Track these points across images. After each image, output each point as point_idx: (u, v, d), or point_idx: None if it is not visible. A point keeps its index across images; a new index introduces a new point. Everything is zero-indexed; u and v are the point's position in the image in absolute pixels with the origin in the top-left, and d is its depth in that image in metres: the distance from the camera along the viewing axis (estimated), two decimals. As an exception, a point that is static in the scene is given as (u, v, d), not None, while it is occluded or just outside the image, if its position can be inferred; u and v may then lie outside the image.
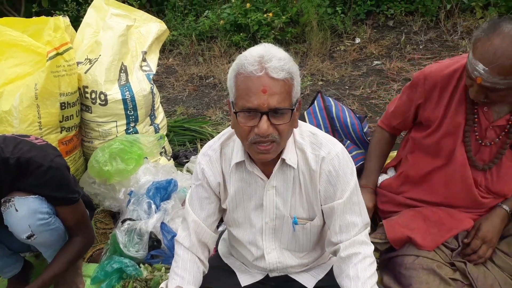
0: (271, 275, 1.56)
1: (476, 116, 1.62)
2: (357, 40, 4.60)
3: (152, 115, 2.63)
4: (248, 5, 4.39)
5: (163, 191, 2.13)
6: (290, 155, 1.34)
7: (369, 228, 1.42)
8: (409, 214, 1.78)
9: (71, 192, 1.63)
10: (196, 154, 2.85)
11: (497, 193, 1.72)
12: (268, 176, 1.37)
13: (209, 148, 1.44)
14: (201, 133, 3.05)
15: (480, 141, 1.65)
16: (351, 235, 1.37)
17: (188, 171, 2.61)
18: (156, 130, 2.65)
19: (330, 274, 1.53)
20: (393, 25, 4.86)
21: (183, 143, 3.02)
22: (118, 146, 2.20)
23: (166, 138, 2.50)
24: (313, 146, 1.35)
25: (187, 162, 2.78)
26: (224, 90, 3.95)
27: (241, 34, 4.48)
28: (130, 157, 2.22)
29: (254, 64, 1.16)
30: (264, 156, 1.27)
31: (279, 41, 4.44)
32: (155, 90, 2.59)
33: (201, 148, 2.88)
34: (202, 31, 4.74)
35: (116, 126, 2.45)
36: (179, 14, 5.09)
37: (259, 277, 1.56)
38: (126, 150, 2.21)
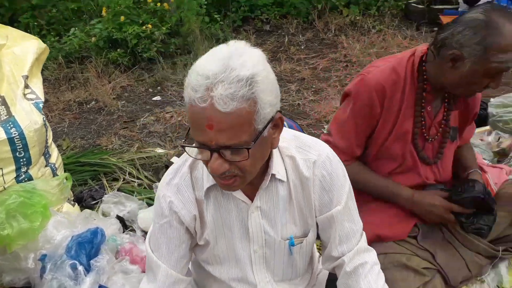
0: None
1: (423, 118, 1.60)
2: (241, 46, 4.53)
3: (46, 153, 2.12)
4: (122, 18, 3.97)
5: (88, 246, 1.70)
6: (278, 167, 1.12)
7: (364, 233, 1.28)
8: (367, 213, 1.70)
9: None
10: (104, 192, 2.41)
11: (444, 183, 1.75)
12: (251, 197, 1.14)
13: (174, 175, 1.16)
14: (103, 166, 2.60)
15: (428, 140, 1.65)
16: (353, 244, 1.23)
17: (104, 214, 2.17)
18: (54, 172, 2.14)
19: None
20: (270, 29, 4.93)
21: (84, 181, 2.54)
22: (15, 200, 1.70)
23: (71, 178, 2.03)
24: (300, 150, 1.16)
25: (96, 203, 2.32)
26: (113, 113, 3.49)
27: (118, 50, 4.04)
28: (33, 210, 1.73)
29: (200, 89, 0.90)
30: (229, 190, 1.08)
31: (163, 54, 4.13)
32: (47, 121, 2.09)
33: (108, 184, 2.45)
34: (70, 51, 4.15)
35: (2, 174, 1.90)
36: (35, 36, 4.39)
37: None
38: (26, 203, 1.72)
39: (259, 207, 1.15)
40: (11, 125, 1.91)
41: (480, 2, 4.13)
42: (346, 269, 1.22)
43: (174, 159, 2.61)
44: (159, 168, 2.70)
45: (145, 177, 2.59)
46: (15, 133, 1.90)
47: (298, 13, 4.99)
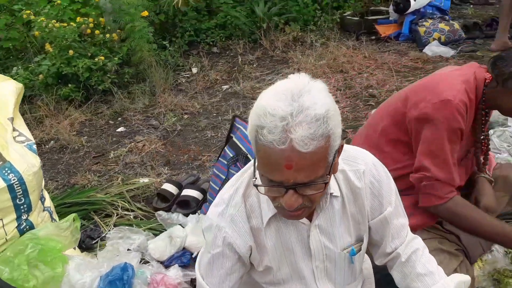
0: None
1: (483, 137, 1.73)
2: (195, 70, 4.56)
3: (42, 197, 1.99)
4: (71, 52, 3.82)
5: (120, 283, 1.65)
6: (332, 184, 1.16)
7: None
8: None
9: None
10: (100, 230, 2.31)
11: None
12: (309, 217, 1.17)
13: (227, 205, 1.15)
14: (92, 203, 2.49)
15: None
16: (404, 237, 1.32)
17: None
18: (51, 215, 2.02)
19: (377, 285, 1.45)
20: (218, 51, 5.01)
21: (73, 222, 2.39)
22: (34, 249, 1.59)
23: (78, 218, 1.92)
24: (348, 162, 1.20)
25: (96, 243, 2.22)
26: (78, 150, 3.33)
27: (69, 85, 3.87)
28: (53, 257, 1.63)
29: (276, 131, 0.89)
30: (296, 219, 1.11)
31: (117, 84, 4.03)
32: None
33: (102, 221, 2.36)
34: (16, 91, 3.89)
35: (3, 225, 1.76)
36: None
37: None
38: (45, 250, 1.61)
39: (317, 225, 1.18)
40: (8, 171, 1.78)
41: (408, 11, 4.56)
42: (401, 260, 1.29)
43: (165, 186, 2.56)
44: (149, 197, 2.63)
45: (138, 208, 2.51)
46: (13, 179, 1.77)
47: (243, 34, 5.13)
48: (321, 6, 5.41)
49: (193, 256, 2.03)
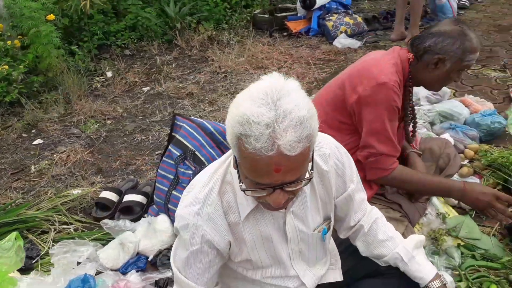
0: None
1: (411, 109, 1.95)
2: (109, 74, 4.36)
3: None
4: (-33, 62, 3.43)
5: (83, 296, 1.52)
6: None
7: None
8: None
9: None
10: (38, 248, 2.12)
11: None
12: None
13: (203, 204, 1.16)
14: (24, 221, 2.26)
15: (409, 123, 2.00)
16: (364, 209, 1.43)
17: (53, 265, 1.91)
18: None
19: (341, 256, 1.54)
20: (132, 54, 4.85)
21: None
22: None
23: (20, 236, 1.75)
24: (314, 147, 1.25)
25: (36, 262, 2.03)
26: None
27: (-30, 98, 3.47)
28: (1, 280, 1.46)
29: (262, 139, 0.90)
30: (279, 210, 1.15)
31: (25, 94, 3.71)
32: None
33: (38, 239, 2.19)
34: None
35: None
36: None
37: None
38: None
39: (291, 211, 1.24)
40: None
41: (315, 7, 4.84)
42: (364, 230, 1.40)
43: (104, 194, 2.43)
44: (87, 208, 2.47)
45: (77, 220, 2.35)
46: None
47: (155, 35, 5.03)
48: (231, 5, 5.51)
49: (149, 259, 1.97)
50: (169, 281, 1.74)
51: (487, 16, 5.39)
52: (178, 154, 2.13)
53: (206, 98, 3.71)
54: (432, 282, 1.35)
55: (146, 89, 4.03)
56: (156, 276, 1.76)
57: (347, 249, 1.54)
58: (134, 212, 2.35)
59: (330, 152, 1.26)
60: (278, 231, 1.24)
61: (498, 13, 5.50)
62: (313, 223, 1.29)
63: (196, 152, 2.11)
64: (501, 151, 2.45)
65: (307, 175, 1.05)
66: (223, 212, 1.17)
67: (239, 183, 1.05)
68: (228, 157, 1.22)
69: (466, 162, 2.53)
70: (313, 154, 1.05)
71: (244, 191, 1.04)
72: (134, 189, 2.51)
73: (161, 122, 3.45)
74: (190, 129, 2.18)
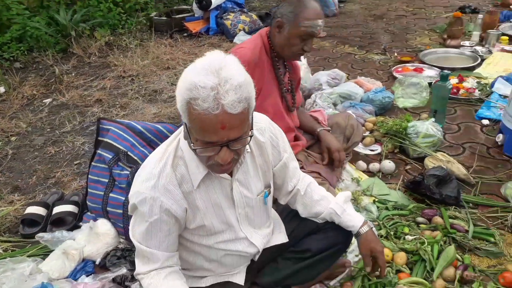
0: (256, 258, 1.59)
1: (283, 76, 2.15)
2: (2, 90, 4.05)
3: None
4: None
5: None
6: None
7: None
8: None
9: None
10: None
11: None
12: (230, 174, 1.39)
13: (158, 178, 1.28)
14: None
15: (287, 92, 2.21)
16: (298, 176, 1.66)
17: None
18: None
19: (284, 221, 1.73)
20: (22, 66, 4.55)
21: None
22: None
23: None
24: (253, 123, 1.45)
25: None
26: None
27: None
28: None
29: (208, 100, 1.07)
30: (225, 172, 1.32)
31: None
32: None
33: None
34: None
35: None
36: None
37: (244, 268, 1.58)
38: None
39: (237, 179, 1.40)
40: None
41: (211, 7, 5.00)
42: (300, 193, 1.62)
43: (30, 209, 2.33)
44: (11, 227, 2.34)
45: (4, 241, 2.22)
46: None
47: (47, 45, 4.77)
48: (125, 9, 5.43)
49: (97, 263, 1.97)
50: (125, 277, 1.78)
51: (363, 8, 6.08)
52: (111, 157, 2.13)
53: (117, 103, 3.66)
54: (362, 228, 1.60)
55: (47, 101, 3.84)
56: (112, 275, 1.78)
57: (288, 215, 1.74)
58: (66, 223, 2.29)
59: (265, 126, 1.46)
60: (226, 197, 1.40)
61: (372, 4, 6.24)
62: (256, 189, 1.47)
63: (129, 153, 2.14)
64: (394, 120, 2.87)
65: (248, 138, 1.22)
66: (178, 183, 1.30)
67: (190, 144, 1.19)
68: (176, 136, 1.35)
69: (367, 133, 2.91)
70: (252, 118, 1.21)
71: (195, 150, 1.18)
72: (61, 200, 2.44)
73: (73, 132, 3.34)
74: (118, 131, 2.20)
